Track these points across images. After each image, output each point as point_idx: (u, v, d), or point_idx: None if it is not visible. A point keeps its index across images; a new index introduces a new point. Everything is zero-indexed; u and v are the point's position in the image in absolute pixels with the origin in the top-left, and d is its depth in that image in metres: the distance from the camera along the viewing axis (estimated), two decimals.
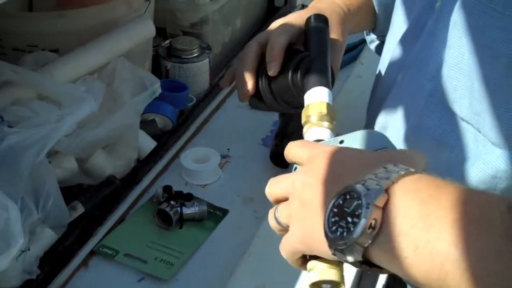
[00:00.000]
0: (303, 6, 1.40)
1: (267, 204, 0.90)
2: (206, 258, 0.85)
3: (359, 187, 0.46)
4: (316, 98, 0.67)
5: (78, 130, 0.84)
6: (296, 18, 0.81)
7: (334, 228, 0.46)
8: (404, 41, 0.79)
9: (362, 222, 0.44)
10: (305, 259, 0.54)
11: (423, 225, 0.43)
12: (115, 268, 0.82)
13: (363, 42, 1.34)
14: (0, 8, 0.80)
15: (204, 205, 0.90)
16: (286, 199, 0.55)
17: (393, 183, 0.45)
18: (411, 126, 0.73)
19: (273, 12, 1.42)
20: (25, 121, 0.79)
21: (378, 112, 0.82)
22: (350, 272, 0.77)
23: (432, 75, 0.67)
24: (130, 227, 0.89)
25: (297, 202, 0.52)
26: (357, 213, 0.45)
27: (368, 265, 0.47)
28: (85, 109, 0.82)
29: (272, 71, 0.76)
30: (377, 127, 0.81)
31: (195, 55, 1.14)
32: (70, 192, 0.88)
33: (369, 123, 0.86)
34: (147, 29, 1.03)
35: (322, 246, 0.48)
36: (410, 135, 0.73)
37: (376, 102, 0.84)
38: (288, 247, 0.54)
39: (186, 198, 0.90)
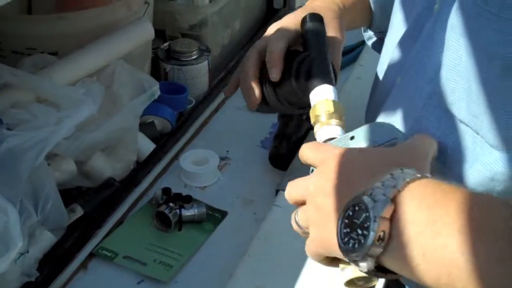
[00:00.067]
0: None
1: (266, 206, 0.91)
2: (205, 260, 0.85)
3: (366, 199, 0.47)
4: (322, 97, 0.68)
5: (77, 133, 0.84)
6: (292, 19, 0.82)
7: (346, 239, 0.48)
8: (403, 43, 0.79)
9: (371, 235, 0.46)
10: (332, 258, 0.55)
11: (430, 233, 0.45)
12: (114, 270, 0.83)
13: (362, 43, 1.34)
14: None
15: (203, 207, 0.90)
16: (304, 202, 0.56)
17: (399, 191, 0.47)
18: (410, 128, 0.73)
19: (272, 14, 1.43)
20: (24, 124, 0.79)
21: (377, 114, 0.82)
22: (349, 273, 0.77)
23: (431, 77, 0.67)
24: (129, 229, 0.89)
25: (312, 207, 0.54)
26: (366, 225, 0.46)
27: (383, 271, 0.48)
28: (84, 112, 0.82)
29: (274, 77, 0.76)
30: None
31: (194, 57, 1.15)
32: (69, 194, 0.88)
33: None
34: (146, 32, 1.03)
35: (340, 252, 0.50)
36: (408, 137, 0.73)
37: (375, 104, 0.84)
38: (311, 251, 0.56)
39: (185, 200, 0.90)
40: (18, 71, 0.86)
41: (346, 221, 0.48)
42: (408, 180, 0.47)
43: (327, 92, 0.68)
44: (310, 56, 0.75)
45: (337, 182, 0.52)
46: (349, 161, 0.53)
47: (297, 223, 0.57)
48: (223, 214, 0.92)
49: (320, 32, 0.77)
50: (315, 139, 0.65)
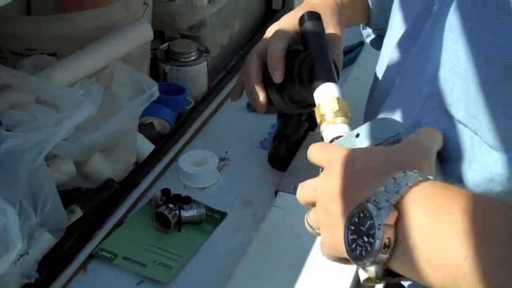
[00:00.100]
0: None
1: (266, 207, 0.91)
2: (204, 261, 0.85)
3: (370, 206, 0.48)
4: (325, 96, 0.68)
5: (76, 134, 0.84)
6: (290, 19, 0.82)
7: (353, 246, 0.49)
8: (402, 43, 0.79)
9: (377, 243, 0.47)
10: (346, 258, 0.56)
11: (434, 239, 0.46)
12: (113, 271, 0.82)
13: (361, 44, 1.34)
14: None
15: (203, 208, 0.90)
16: (314, 204, 0.57)
17: (402, 197, 0.48)
18: (409, 128, 0.73)
19: (271, 15, 1.42)
20: (23, 125, 0.79)
21: (376, 115, 0.82)
22: (349, 273, 0.77)
23: (430, 78, 0.67)
24: (128, 230, 0.89)
25: (321, 210, 0.55)
26: (371, 232, 0.48)
27: (392, 275, 0.50)
28: (83, 113, 0.82)
29: (277, 79, 0.77)
30: None
31: (193, 58, 1.15)
32: (69, 195, 0.88)
33: None
34: (145, 33, 1.03)
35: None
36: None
37: (374, 105, 0.85)
38: (324, 252, 0.57)
39: (185, 201, 0.90)
40: (17, 72, 0.86)
41: (352, 227, 0.49)
42: (410, 184, 0.48)
43: (330, 90, 0.69)
44: (311, 55, 0.75)
45: (343, 186, 0.53)
46: (353, 163, 0.54)
47: (309, 224, 0.59)
48: (222, 215, 0.92)
49: (319, 30, 0.77)
50: (316, 140, 0.66)
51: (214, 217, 0.91)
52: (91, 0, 1.05)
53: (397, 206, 0.48)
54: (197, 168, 0.98)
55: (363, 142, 0.60)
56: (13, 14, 1.04)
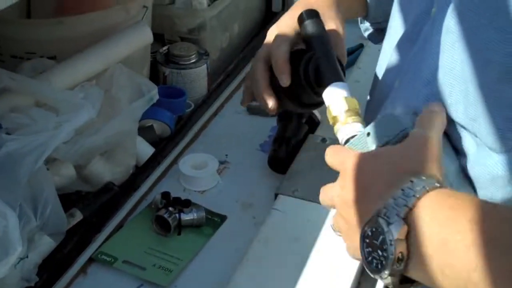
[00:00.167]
0: None
1: (266, 210, 0.90)
2: (204, 264, 0.85)
3: (381, 220, 0.50)
4: (334, 97, 0.69)
5: (76, 137, 0.84)
6: (289, 19, 0.82)
7: (370, 258, 0.51)
8: (401, 45, 0.79)
9: (390, 258, 0.49)
10: None
11: (444, 251, 0.47)
12: (113, 275, 0.82)
13: (361, 46, 1.34)
14: None
15: (203, 211, 0.90)
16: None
17: (410, 209, 0.49)
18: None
19: (270, 18, 1.43)
20: (23, 128, 0.79)
21: (375, 117, 0.82)
22: (348, 277, 0.77)
23: (428, 80, 0.68)
24: (128, 233, 0.89)
25: (340, 217, 0.58)
26: (384, 247, 0.49)
27: (410, 281, 0.51)
28: (83, 116, 0.82)
29: (284, 83, 0.78)
30: None
31: (193, 61, 1.15)
32: (69, 199, 0.88)
33: None
34: (145, 36, 1.03)
35: None
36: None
37: (374, 106, 0.85)
38: (350, 254, 0.59)
39: (185, 204, 0.90)
40: (17, 75, 0.86)
41: (367, 240, 0.51)
42: (418, 196, 0.50)
43: (338, 90, 0.70)
44: (315, 55, 0.75)
45: (356, 196, 0.55)
46: (363, 172, 0.56)
47: (333, 228, 0.61)
48: (222, 218, 0.92)
49: (319, 29, 0.78)
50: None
51: (214, 220, 0.91)
52: (90, 3, 1.05)
53: (407, 219, 0.49)
54: (197, 171, 0.98)
55: (374, 141, 0.62)
56: (13, 18, 1.04)
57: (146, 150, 1.01)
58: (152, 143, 1.03)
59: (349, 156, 0.59)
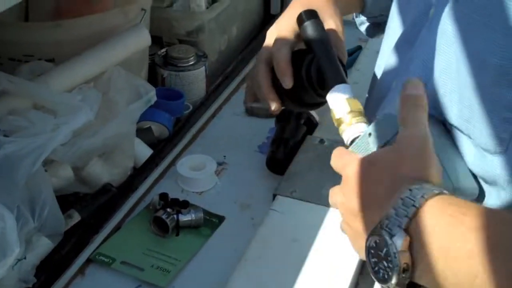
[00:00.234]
0: None
1: (264, 211, 0.91)
2: (202, 265, 0.85)
3: (383, 232, 0.50)
4: (338, 99, 0.69)
5: (74, 139, 0.84)
6: (288, 20, 0.82)
7: (376, 268, 0.52)
8: (399, 47, 0.79)
9: (396, 270, 0.50)
10: None
11: (446, 259, 0.47)
12: (111, 276, 0.83)
13: (359, 48, 1.34)
14: None
15: (201, 212, 0.90)
16: None
17: (411, 220, 0.50)
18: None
19: (268, 20, 1.43)
20: (21, 130, 0.79)
21: (374, 117, 0.82)
22: (346, 277, 0.77)
23: (424, 82, 0.68)
24: (126, 234, 0.89)
25: (345, 224, 0.59)
26: (389, 258, 0.50)
27: (417, 286, 0.52)
28: (81, 118, 0.82)
29: (286, 84, 0.78)
30: None
31: (191, 63, 1.15)
32: (66, 200, 0.88)
33: None
34: (143, 38, 1.03)
35: None
36: None
37: (372, 107, 0.85)
38: (361, 257, 0.59)
39: (183, 205, 0.90)
40: (15, 78, 0.87)
41: (372, 251, 0.52)
42: (417, 206, 0.50)
43: (341, 92, 0.70)
44: (316, 56, 0.76)
45: (358, 203, 0.56)
46: (363, 178, 0.57)
47: (342, 230, 0.62)
48: (220, 219, 0.92)
49: (319, 30, 0.78)
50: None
51: (212, 221, 0.91)
52: (88, 6, 1.05)
53: (408, 229, 0.50)
54: (195, 173, 0.98)
55: (375, 141, 0.63)
56: (11, 20, 1.05)
57: (144, 151, 1.01)
58: (150, 145, 1.03)
59: (350, 162, 0.59)
